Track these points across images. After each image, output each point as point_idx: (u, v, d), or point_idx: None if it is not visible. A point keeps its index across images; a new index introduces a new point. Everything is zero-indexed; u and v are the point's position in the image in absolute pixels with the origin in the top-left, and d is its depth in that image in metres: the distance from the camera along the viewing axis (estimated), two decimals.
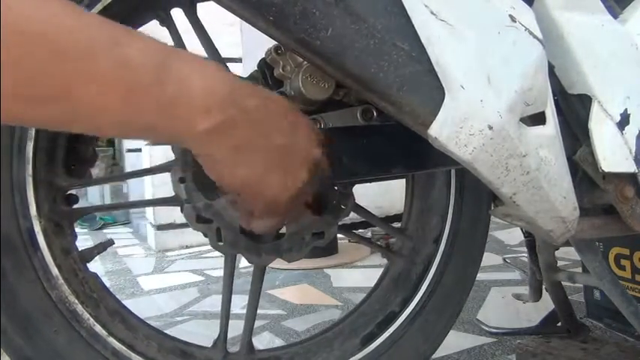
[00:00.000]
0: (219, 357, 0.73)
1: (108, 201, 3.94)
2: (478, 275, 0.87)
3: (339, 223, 0.74)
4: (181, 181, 0.65)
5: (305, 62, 0.61)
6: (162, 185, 2.39)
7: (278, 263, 0.76)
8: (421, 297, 0.83)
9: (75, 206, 0.70)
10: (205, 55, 0.73)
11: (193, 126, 0.39)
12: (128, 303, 0.72)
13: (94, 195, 4.10)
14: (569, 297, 1.09)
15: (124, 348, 0.68)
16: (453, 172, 0.83)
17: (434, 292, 0.83)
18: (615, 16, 0.68)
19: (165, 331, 0.75)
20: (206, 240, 0.68)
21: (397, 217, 0.92)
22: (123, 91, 0.35)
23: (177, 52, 0.39)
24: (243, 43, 2.30)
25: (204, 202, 0.65)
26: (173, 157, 0.67)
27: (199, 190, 0.64)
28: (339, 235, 1.78)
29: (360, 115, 0.65)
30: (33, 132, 0.62)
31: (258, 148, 0.44)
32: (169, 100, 0.37)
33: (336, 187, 0.70)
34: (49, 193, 0.65)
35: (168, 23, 0.71)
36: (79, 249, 0.69)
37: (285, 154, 0.46)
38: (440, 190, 0.85)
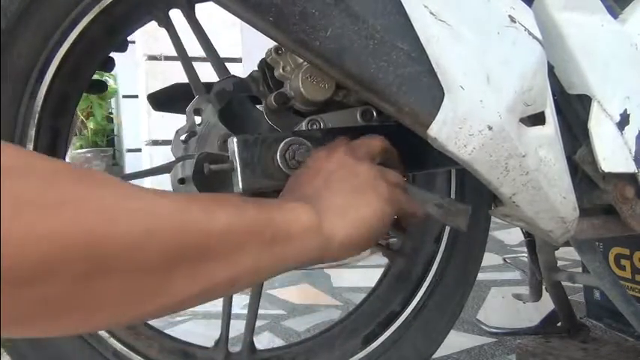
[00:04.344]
0: (221, 357, 0.73)
1: None
2: (478, 275, 0.87)
3: None
4: (181, 182, 0.65)
5: (305, 63, 0.61)
6: (162, 187, 2.39)
7: None
8: (422, 296, 0.83)
9: None
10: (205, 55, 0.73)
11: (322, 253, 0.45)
12: None
13: None
14: (569, 297, 1.09)
15: (125, 349, 0.68)
16: (453, 169, 0.84)
17: (435, 291, 0.83)
18: (615, 16, 0.68)
19: (165, 331, 0.75)
20: None
21: None
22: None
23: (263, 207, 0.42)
24: (243, 43, 2.30)
25: None
26: (173, 158, 0.67)
27: (199, 191, 0.64)
28: None
29: (359, 116, 0.65)
30: (33, 132, 0.62)
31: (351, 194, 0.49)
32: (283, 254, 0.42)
33: None
34: None
35: (167, 24, 0.71)
36: None
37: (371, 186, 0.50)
38: (440, 187, 0.85)
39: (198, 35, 0.72)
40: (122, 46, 0.74)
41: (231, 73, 0.69)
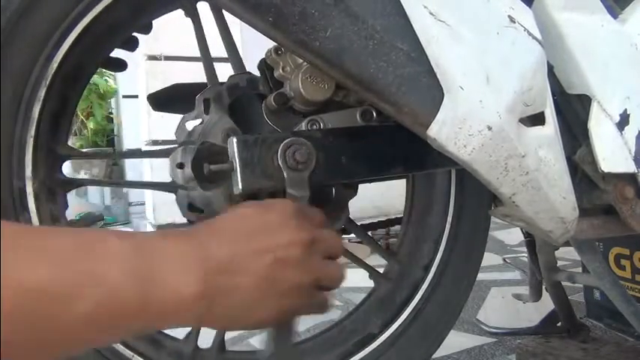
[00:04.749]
0: (189, 350, 0.73)
1: (108, 198, 3.94)
2: (478, 275, 0.87)
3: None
4: (179, 167, 0.65)
5: (305, 63, 0.61)
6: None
7: None
8: (402, 322, 0.81)
9: (69, 177, 0.71)
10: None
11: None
12: None
13: (94, 195, 4.10)
14: (569, 297, 1.09)
15: None
16: (451, 203, 0.83)
17: (415, 319, 0.81)
18: (615, 16, 0.68)
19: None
20: None
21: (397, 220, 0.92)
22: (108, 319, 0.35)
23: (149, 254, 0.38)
24: (243, 43, 2.30)
25: (199, 192, 0.65)
26: None
27: (196, 178, 0.64)
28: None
29: (359, 116, 0.65)
30: (43, 94, 0.62)
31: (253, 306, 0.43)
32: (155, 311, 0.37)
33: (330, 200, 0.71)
34: (48, 158, 0.65)
35: (193, 15, 0.72)
36: (68, 219, 0.69)
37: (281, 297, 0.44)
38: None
39: (222, 31, 0.73)
40: (131, 45, 0.75)
41: (247, 70, 0.70)
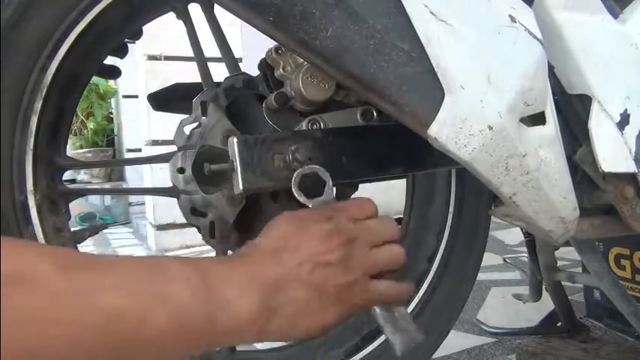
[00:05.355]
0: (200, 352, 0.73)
1: (107, 198, 3.94)
2: (478, 275, 0.87)
3: None
4: (180, 172, 0.65)
5: (305, 63, 0.61)
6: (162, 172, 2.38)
7: None
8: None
9: (71, 186, 0.71)
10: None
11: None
12: None
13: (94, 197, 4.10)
14: (569, 297, 1.09)
15: None
16: (452, 195, 0.83)
17: (422, 310, 0.82)
18: (615, 16, 0.68)
19: None
20: None
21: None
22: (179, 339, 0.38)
23: (212, 279, 0.41)
24: (243, 43, 2.30)
25: (201, 195, 0.64)
26: None
27: (198, 182, 0.64)
28: None
29: (360, 116, 0.65)
30: (39, 106, 0.62)
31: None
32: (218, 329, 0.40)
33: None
34: (48, 170, 0.65)
35: (185, 17, 0.72)
36: (72, 229, 0.69)
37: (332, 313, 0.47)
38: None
39: (215, 32, 0.73)
40: (121, 52, 0.75)
41: (242, 71, 0.70)
